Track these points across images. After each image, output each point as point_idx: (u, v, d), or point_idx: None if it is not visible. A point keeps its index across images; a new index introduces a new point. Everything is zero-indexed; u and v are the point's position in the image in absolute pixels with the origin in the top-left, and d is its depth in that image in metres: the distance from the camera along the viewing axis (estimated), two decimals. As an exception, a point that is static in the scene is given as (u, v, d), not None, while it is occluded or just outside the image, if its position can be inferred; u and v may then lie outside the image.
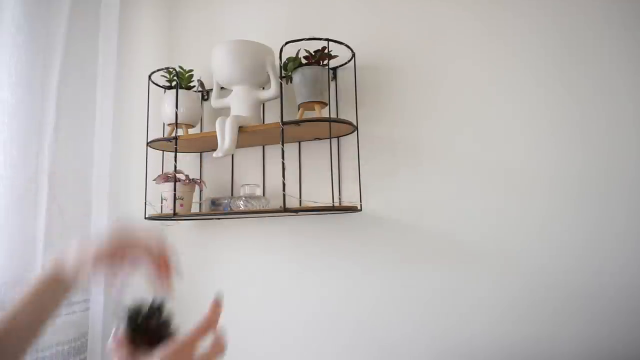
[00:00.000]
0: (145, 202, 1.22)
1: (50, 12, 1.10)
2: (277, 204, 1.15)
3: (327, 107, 1.09)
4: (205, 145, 1.23)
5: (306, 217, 1.20)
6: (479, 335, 1.02)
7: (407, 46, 1.15)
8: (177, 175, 1.15)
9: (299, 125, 1.03)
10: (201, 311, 0.47)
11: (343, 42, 1.08)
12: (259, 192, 1.20)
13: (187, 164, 1.34)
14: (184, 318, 0.51)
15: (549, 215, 0.99)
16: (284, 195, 1.01)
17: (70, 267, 0.59)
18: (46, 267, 0.61)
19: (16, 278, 0.99)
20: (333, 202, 1.11)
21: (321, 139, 1.19)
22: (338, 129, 1.10)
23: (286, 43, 1.04)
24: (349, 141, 1.17)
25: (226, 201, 1.16)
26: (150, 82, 1.24)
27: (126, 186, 1.39)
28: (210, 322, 0.48)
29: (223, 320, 0.47)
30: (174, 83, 1.24)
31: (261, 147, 1.27)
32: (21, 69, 1.01)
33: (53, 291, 0.60)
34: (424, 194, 1.10)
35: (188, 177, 1.20)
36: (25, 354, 0.58)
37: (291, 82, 1.10)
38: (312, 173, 1.19)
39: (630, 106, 0.95)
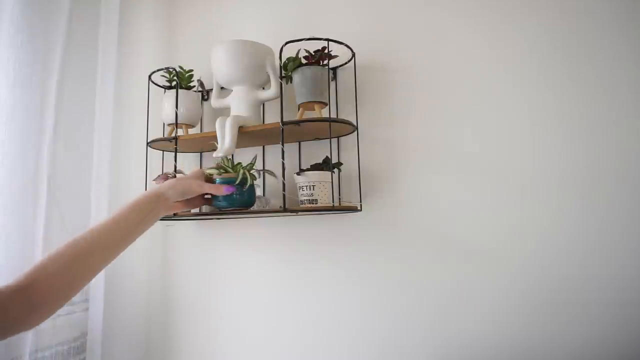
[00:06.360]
0: (145, 202, 1.22)
1: (49, 12, 1.10)
2: (277, 204, 1.15)
3: (327, 107, 1.09)
4: (205, 145, 1.23)
5: (306, 217, 1.20)
6: (479, 336, 1.02)
7: (407, 46, 1.15)
8: (177, 175, 1.15)
9: (299, 125, 1.03)
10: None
11: (343, 42, 1.07)
12: (259, 192, 1.20)
13: (187, 164, 1.34)
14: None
15: (549, 216, 0.99)
16: (284, 195, 1.01)
17: (167, 185, 0.82)
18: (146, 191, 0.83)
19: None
20: (333, 202, 1.11)
21: (321, 139, 1.19)
22: (338, 129, 1.10)
23: (286, 43, 1.04)
24: (349, 141, 1.17)
25: (226, 201, 1.16)
26: (150, 82, 1.24)
27: (126, 186, 1.39)
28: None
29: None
30: (174, 83, 1.24)
31: (261, 147, 1.27)
32: (20, 68, 1.01)
33: (153, 203, 0.78)
34: (424, 194, 1.10)
35: (188, 177, 1.20)
36: (114, 257, 0.72)
37: (291, 82, 1.10)
38: (312, 173, 1.19)
39: (638, 105, 0.95)
